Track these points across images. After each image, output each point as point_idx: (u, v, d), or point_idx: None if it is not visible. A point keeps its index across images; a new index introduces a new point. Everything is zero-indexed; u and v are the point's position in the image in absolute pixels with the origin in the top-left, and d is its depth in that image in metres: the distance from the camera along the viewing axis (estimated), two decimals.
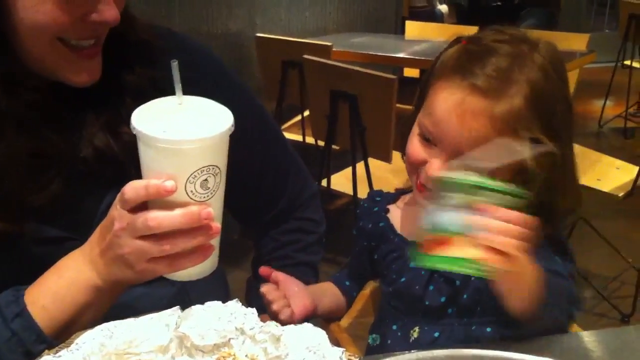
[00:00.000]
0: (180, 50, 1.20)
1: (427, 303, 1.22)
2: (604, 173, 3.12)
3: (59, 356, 0.83)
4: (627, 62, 5.74)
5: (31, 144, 1.03)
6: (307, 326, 0.87)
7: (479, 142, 1.07)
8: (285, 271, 1.31)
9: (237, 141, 1.29)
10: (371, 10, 5.15)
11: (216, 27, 4.07)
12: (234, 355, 0.87)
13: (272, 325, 0.87)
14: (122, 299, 1.12)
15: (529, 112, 1.08)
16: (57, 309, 0.99)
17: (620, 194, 2.91)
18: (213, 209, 0.92)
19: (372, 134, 2.82)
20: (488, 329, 1.19)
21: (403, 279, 1.26)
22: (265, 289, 1.24)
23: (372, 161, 2.90)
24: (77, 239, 1.04)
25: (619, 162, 3.25)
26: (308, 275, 1.37)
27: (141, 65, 1.12)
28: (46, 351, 0.89)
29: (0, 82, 0.99)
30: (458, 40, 1.19)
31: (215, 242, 0.97)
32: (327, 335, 0.86)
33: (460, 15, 7.71)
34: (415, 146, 1.16)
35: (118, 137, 1.08)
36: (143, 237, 0.91)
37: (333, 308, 1.37)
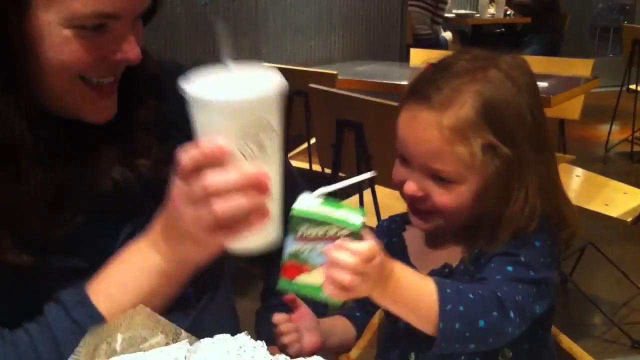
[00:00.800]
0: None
1: (413, 330, 1.22)
2: (612, 198, 3.11)
3: None
4: (633, 87, 5.75)
5: (52, 179, 1.03)
6: (317, 359, 0.87)
7: (435, 153, 1.13)
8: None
9: None
10: (376, 39, 5.18)
11: (221, 59, 4.10)
12: None
13: (281, 359, 0.86)
14: None
15: (478, 119, 1.11)
16: (122, 297, 0.98)
17: (629, 219, 2.90)
18: (269, 172, 0.90)
19: (378, 162, 2.82)
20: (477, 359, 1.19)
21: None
22: (277, 319, 1.24)
23: (379, 189, 2.89)
24: (96, 270, 1.03)
25: (626, 187, 3.24)
26: (317, 305, 1.36)
27: (152, 99, 1.13)
28: None
29: (22, 120, 0.99)
30: (425, 67, 1.24)
31: (275, 209, 0.94)
32: None
33: (464, 42, 7.75)
34: (396, 168, 1.22)
35: (134, 169, 1.09)
36: (200, 205, 0.90)
37: (343, 343, 1.36)
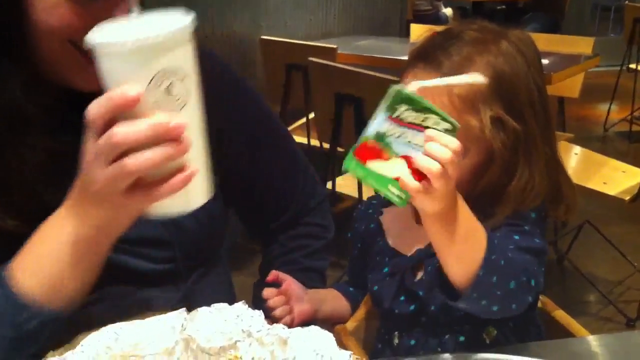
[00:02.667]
0: None
1: (396, 311, 1.23)
2: (610, 177, 3.11)
3: (64, 358, 0.83)
4: (633, 66, 5.73)
5: (51, 146, 1.02)
6: (315, 329, 0.86)
7: None
8: (293, 276, 1.30)
9: (245, 144, 1.29)
10: (376, 14, 5.15)
11: (220, 30, 4.07)
12: (241, 358, 0.86)
13: (279, 328, 0.86)
14: (126, 303, 1.12)
15: (489, 92, 1.09)
16: (44, 273, 0.94)
17: (627, 198, 2.90)
18: (186, 122, 0.83)
19: None
20: (461, 338, 1.20)
21: (375, 288, 1.27)
22: (267, 293, 1.23)
23: None
24: None
25: (625, 166, 3.24)
26: (315, 280, 1.37)
27: None
28: (50, 352, 0.88)
29: (21, 87, 0.98)
30: (431, 34, 1.21)
31: (199, 166, 0.87)
32: (334, 338, 0.85)
33: (464, 19, 7.70)
34: None
35: None
36: (112, 163, 0.84)
37: (334, 314, 1.36)
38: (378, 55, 3.85)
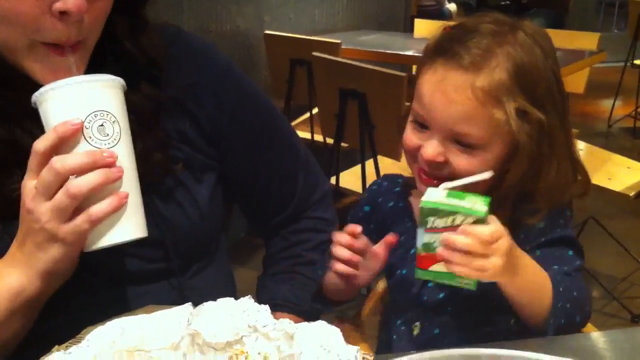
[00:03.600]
0: (184, 56, 1.21)
1: (425, 299, 1.22)
2: (615, 172, 3.10)
3: (69, 352, 0.82)
4: (637, 62, 5.72)
5: (9, 137, 1.03)
6: (321, 324, 0.86)
7: (465, 116, 1.09)
8: (295, 270, 1.30)
9: (246, 141, 1.28)
10: (380, 9, 5.14)
11: (224, 25, 4.05)
12: (247, 352, 0.85)
13: (285, 323, 0.85)
14: (119, 301, 1.11)
15: (511, 84, 1.09)
16: None
17: (631, 194, 2.89)
18: (118, 156, 0.94)
19: (381, 132, 2.81)
20: (489, 329, 1.19)
21: (404, 271, 1.24)
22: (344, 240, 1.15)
23: (381, 159, 2.88)
24: None
25: (630, 162, 3.24)
26: (317, 275, 1.36)
27: (146, 85, 1.13)
28: (56, 347, 0.88)
29: None
30: (444, 29, 1.21)
31: (135, 199, 0.97)
32: (341, 334, 0.85)
33: (468, 14, 7.68)
34: (409, 133, 1.17)
35: None
36: (55, 193, 0.91)
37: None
38: (382, 51, 3.85)
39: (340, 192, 3.10)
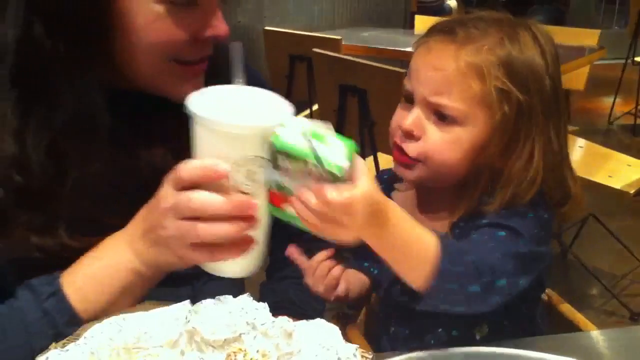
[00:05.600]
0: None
1: (393, 298, 1.21)
2: (615, 170, 3.09)
3: (66, 350, 0.82)
4: (638, 59, 5.71)
5: (116, 158, 1.03)
6: (320, 322, 0.86)
7: (445, 84, 1.09)
8: (301, 274, 1.29)
9: None
10: (380, 5, 5.14)
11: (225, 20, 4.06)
12: (245, 350, 0.85)
13: (284, 321, 0.85)
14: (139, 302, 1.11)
15: (498, 66, 1.08)
16: (94, 292, 0.97)
17: (632, 191, 2.88)
18: (258, 202, 0.90)
19: (381, 129, 2.80)
20: (453, 332, 1.18)
21: (375, 271, 1.25)
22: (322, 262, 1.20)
23: (381, 156, 2.88)
24: None
25: (630, 159, 3.22)
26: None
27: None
28: (53, 344, 0.88)
29: (102, 99, 0.99)
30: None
31: (260, 239, 0.94)
32: (340, 332, 0.84)
33: (468, 10, 7.66)
34: (398, 111, 1.17)
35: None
36: (187, 220, 0.90)
37: (362, 291, 1.31)
38: (382, 47, 3.84)
39: None
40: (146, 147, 1.06)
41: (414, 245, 0.96)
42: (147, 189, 0.96)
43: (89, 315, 0.96)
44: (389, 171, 1.30)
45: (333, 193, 0.83)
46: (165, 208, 0.91)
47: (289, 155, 0.84)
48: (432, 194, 1.21)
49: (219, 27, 1.00)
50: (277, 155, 0.85)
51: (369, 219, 0.88)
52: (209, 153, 0.88)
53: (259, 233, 0.93)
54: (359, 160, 0.86)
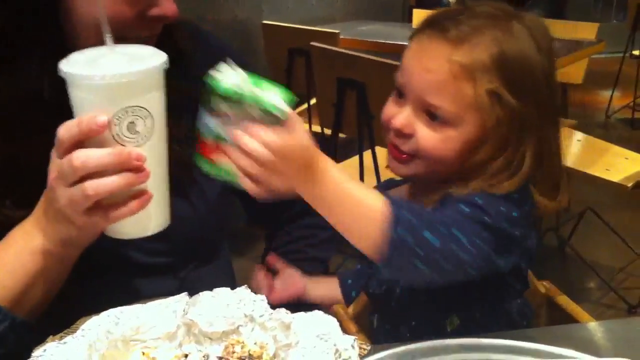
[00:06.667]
0: (201, 52, 1.20)
1: (370, 291, 1.24)
2: (613, 163, 3.09)
3: (64, 342, 0.82)
4: (636, 53, 5.71)
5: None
6: (318, 314, 0.86)
7: (437, 86, 1.07)
8: (297, 266, 1.30)
9: None
10: None
11: (222, 14, 4.04)
12: (243, 342, 0.85)
13: (282, 313, 0.85)
14: (122, 292, 1.11)
15: (491, 67, 1.06)
16: (9, 280, 0.97)
17: (629, 184, 2.88)
18: (147, 156, 0.88)
19: (379, 122, 2.78)
20: (425, 324, 1.18)
21: (359, 266, 1.30)
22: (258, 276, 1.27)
23: (379, 150, 2.87)
24: None
25: (628, 153, 3.22)
26: (318, 270, 1.36)
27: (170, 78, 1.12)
28: (50, 337, 0.88)
29: (48, 77, 0.97)
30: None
31: (159, 193, 0.92)
32: (338, 323, 0.84)
33: (466, 3, 7.66)
34: (388, 104, 1.15)
35: None
36: (73, 184, 0.87)
37: (325, 298, 1.34)
38: (380, 41, 3.84)
39: None
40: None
41: (357, 205, 0.94)
42: None
43: (11, 303, 0.97)
44: (386, 182, 1.33)
45: (271, 135, 0.84)
46: (53, 178, 0.90)
47: (229, 99, 0.83)
48: (425, 186, 1.21)
49: (167, 6, 0.99)
50: (216, 100, 0.84)
51: (303, 169, 0.89)
52: (86, 111, 0.86)
53: (155, 186, 0.91)
54: (293, 112, 0.87)
